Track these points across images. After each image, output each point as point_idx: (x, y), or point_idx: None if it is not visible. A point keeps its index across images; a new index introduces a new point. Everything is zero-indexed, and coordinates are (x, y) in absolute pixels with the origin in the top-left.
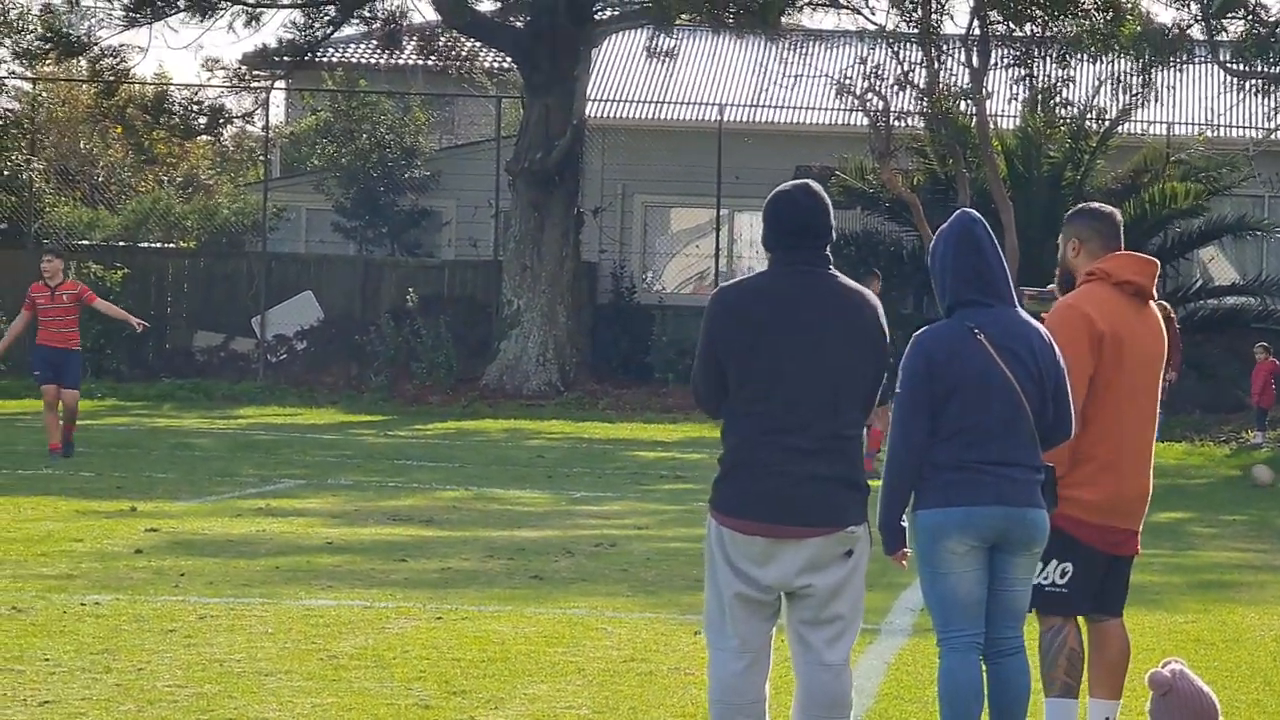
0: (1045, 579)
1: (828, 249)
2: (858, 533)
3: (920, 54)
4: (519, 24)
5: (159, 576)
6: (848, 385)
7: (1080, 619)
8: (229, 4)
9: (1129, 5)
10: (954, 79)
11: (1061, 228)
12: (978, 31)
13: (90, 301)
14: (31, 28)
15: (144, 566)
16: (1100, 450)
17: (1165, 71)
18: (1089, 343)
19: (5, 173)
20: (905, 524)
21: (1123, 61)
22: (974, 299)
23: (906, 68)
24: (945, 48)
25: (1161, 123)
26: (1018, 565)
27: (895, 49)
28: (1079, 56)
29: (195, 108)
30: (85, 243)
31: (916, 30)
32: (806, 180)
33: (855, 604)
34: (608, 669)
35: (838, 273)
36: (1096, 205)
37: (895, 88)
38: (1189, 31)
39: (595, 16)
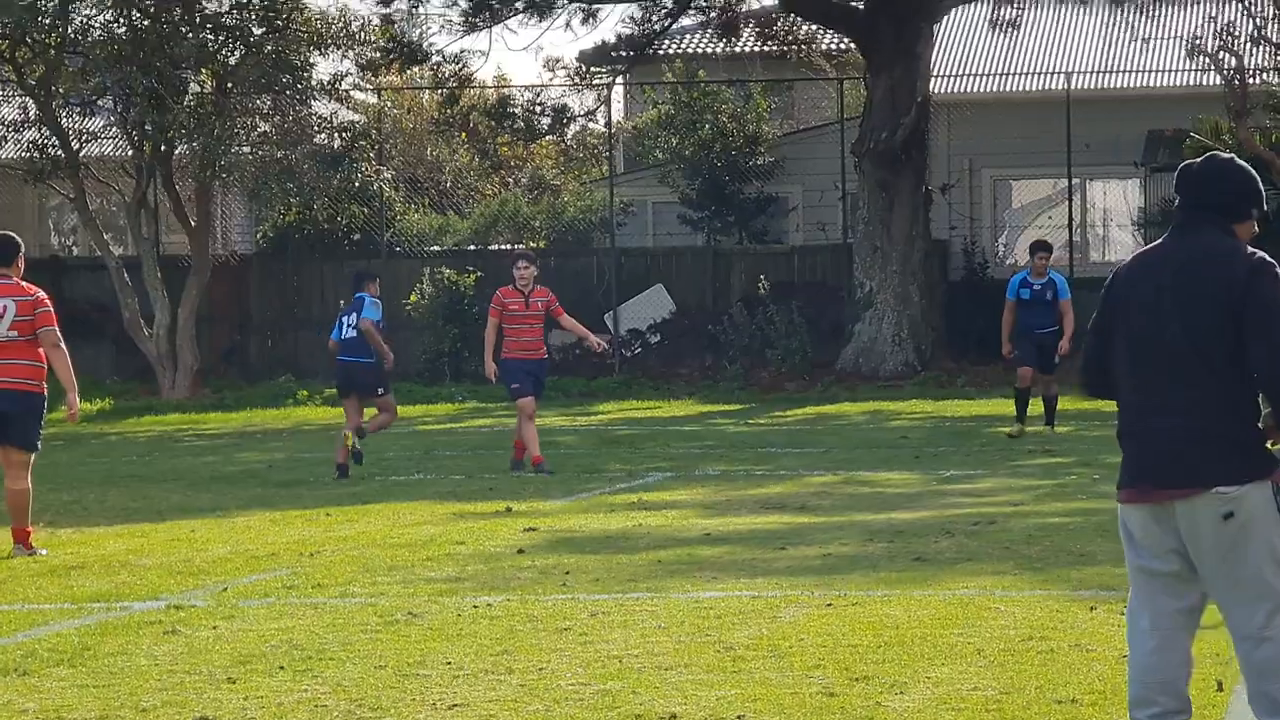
0: None
1: (1224, 218)
2: (1231, 493)
3: (1273, 8)
4: (858, 3)
5: (544, 576)
6: (1199, 345)
7: None
8: (567, 2)
9: None
10: None
11: None
12: None
13: (558, 315)
14: (373, 39)
15: (528, 566)
16: None
17: None
18: None
19: (356, 184)
20: None
21: None
22: None
23: (1259, 22)
24: None
25: None
26: None
27: (1247, 4)
28: None
29: (538, 109)
30: (436, 248)
31: None
32: (1216, 152)
33: (1259, 569)
34: (1007, 649)
35: (1218, 237)
36: None
37: (1248, 44)
38: None
39: None
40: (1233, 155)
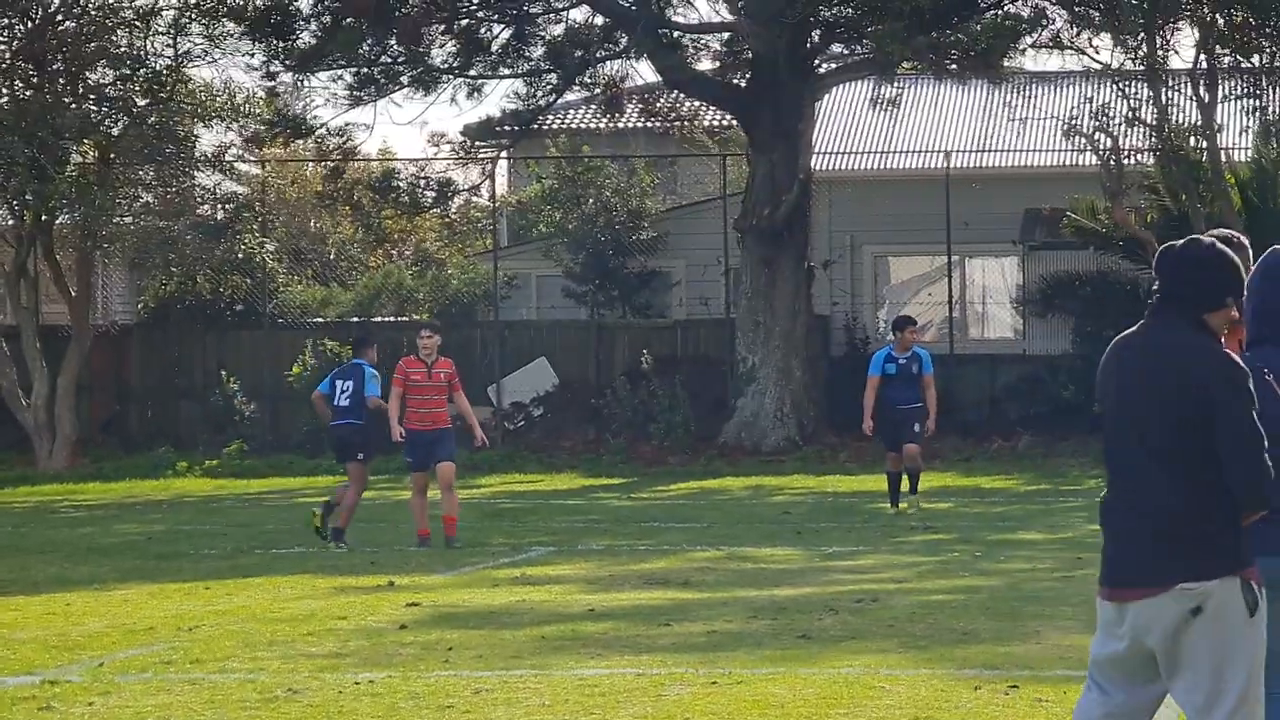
0: None
1: (1196, 308)
2: (1196, 589)
3: (1148, 90)
4: (740, 81)
5: (427, 651)
6: (1163, 448)
7: None
8: (452, 77)
9: None
10: (1183, 114)
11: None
12: (1205, 65)
13: (455, 390)
14: (258, 111)
15: (411, 642)
16: None
17: None
18: None
19: (239, 255)
20: None
21: None
22: (1265, 337)
23: (1134, 105)
24: (1173, 83)
25: None
26: None
27: (1122, 87)
28: None
29: (422, 183)
30: (319, 320)
31: (1143, 67)
32: (1195, 236)
33: (1221, 667)
34: None
35: (1186, 333)
36: None
37: (1124, 125)
38: None
39: (817, 70)
40: (1214, 240)
